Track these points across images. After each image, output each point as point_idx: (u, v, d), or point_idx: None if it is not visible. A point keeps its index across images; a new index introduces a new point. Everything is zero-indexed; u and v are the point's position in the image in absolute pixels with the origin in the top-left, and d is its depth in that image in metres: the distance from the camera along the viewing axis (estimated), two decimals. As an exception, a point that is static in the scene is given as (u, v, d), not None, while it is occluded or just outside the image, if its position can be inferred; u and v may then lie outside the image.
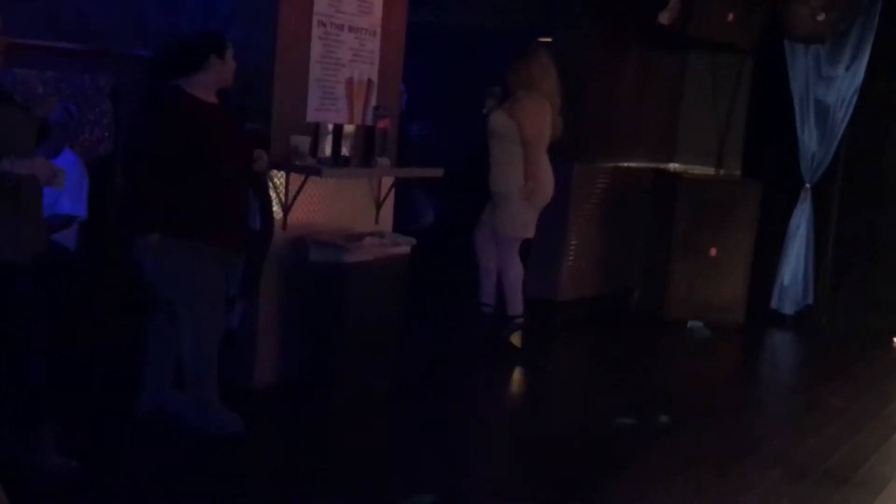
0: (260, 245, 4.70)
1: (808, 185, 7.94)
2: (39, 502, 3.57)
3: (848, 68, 7.70)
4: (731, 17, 7.32)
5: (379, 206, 5.62)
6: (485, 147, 7.22)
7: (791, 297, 8.02)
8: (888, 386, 6.56)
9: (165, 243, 4.22)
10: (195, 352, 4.42)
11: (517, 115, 6.23)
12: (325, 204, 5.26)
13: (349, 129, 5.22)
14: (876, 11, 7.56)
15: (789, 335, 8.00)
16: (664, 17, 7.15)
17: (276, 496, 4.07)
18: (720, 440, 5.16)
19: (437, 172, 5.93)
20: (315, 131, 5.06)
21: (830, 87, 7.78)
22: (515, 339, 6.59)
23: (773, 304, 8.05)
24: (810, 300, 8.02)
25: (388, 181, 5.64)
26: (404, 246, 5.38)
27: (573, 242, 7.54)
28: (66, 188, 5.02)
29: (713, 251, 7.75)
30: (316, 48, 5.06)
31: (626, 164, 8.00)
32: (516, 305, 6.49)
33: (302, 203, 5.09)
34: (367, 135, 5.38)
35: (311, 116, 5.09)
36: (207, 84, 4.34)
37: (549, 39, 7.92)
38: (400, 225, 5.91)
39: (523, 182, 6.25)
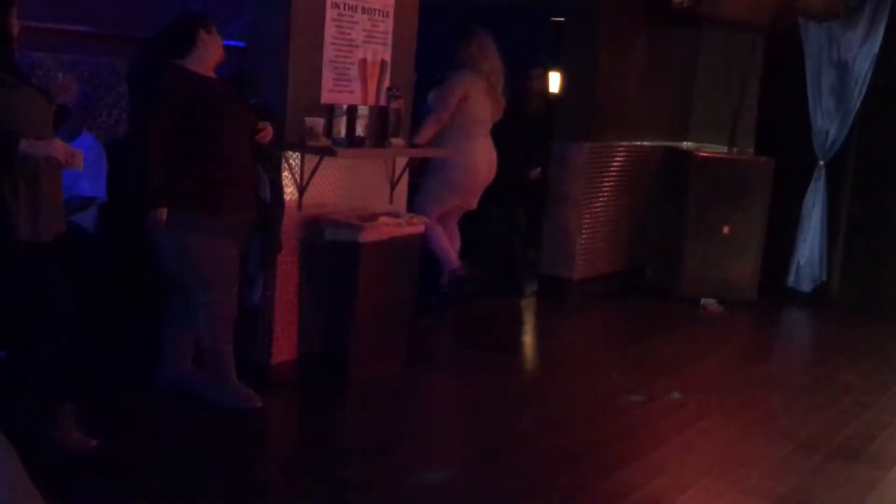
0: (272, 218, 4.76)
1: (821, 163, 7.94)
2: (60, 479, 3.64)
3: (862, 45, 7.68)
4: (744, -6, 7.31)
5: (393, 185, 5.67)
6: (501, 126, 7.27)
7: (807, 274, 8.03)
8: (900, 363, 6.58)
9: (174, 219, 4.28)
10: (211, 329, 4.49)
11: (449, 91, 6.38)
12: (339, 184, 5.31)
13: (363, 109, 5.25)
14: (890, -14, 7.54)
15: (802, 312, 8.02)
16: (677, -4, 7.14)
17: (292, 471, 4.14)
18: (731, 415, 5.21)
19: (451, 152, 5.97)
20: (329, 112, 5.10)
21: (845, 63, 7.76)
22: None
23: (790, 281, 8.07)
24: (825, 277, 8.03)
25: (402, 161, 5.69)
26: (418, 225, 5.43)
27: (587, 221, 7.57)
28: (85, 170, 5.09)
29: (726, 229, 7.77)
30: (329, 29, 5.09)
31: (639, 143, 8.01)
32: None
33: (317, 184, 5.13)
34: (380, 115, 5.42)
35: (325, 98, 5.12)
36: (203, 60, 4.44)
37: (562, 19, 7.94)
38: None
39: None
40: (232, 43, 4.69)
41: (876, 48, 7.63)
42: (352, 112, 5.19)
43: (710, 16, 7.50)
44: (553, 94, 7.98)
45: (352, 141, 5.17)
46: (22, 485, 2.47)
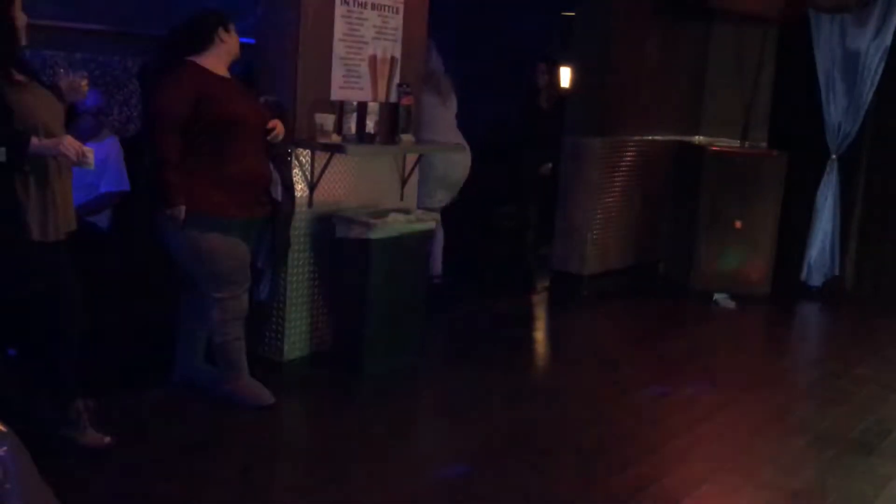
0: (283, 216, 4.76)
1: (834, 157, 7.90)
2: (73, 476, 3.66)
3: (875, 37, 7.63)
4: (755, -13, 7.28)
5: (403, 182, 5.67)
6: (512, 121, 7.28)
7: (819, 268, 7.99)
8: (915, 356, 6.54)
9: (188, 216, 4.29)
10: (222, 325, 4.50)
11: None
12: (350, 181, 5.31)
13: (373, 106, 5.25)
14: (902, -22, 7.49)
15: (816, 306, 7.98)
16: (688, -11, 7.12)
17: (305, 467, 4.15)
18: (746, 409, 5.19)
19: (460, 148, 5.96)
20: (339, 109, 5.10)
21: (857, 55, 7.71)
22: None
23: (802, 275, 8.03)
24: (837, 271, 8.00)
25: (412, 158, 5.68)
26: (429, 222, 5.42)
27: (598, 216, 7.55)
28: (108, 166, 5.13)
29: (738, 223, 7.74)
30: (339, 26, 5.09)
31: (650, 137, 7.99)
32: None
33: (327, 180, 5.14)
34: (390, 112, 5.42)
35: (336, 94, 5.13)
36: (218, 58, 4.43)
37: (572, 13, 7.93)
38: None
39: None
40: (243, 40, 4.68)
41: (888, 41, 7.57)
42: (362, 109, 5.19)
43: (721, 9, 7.48)
44: (564, 89, 7.96)
45: (362, 138, 5.17)
46: (34, 483, 2.48)
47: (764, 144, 8.33)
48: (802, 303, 7.98)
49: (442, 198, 6.54)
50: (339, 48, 5.12)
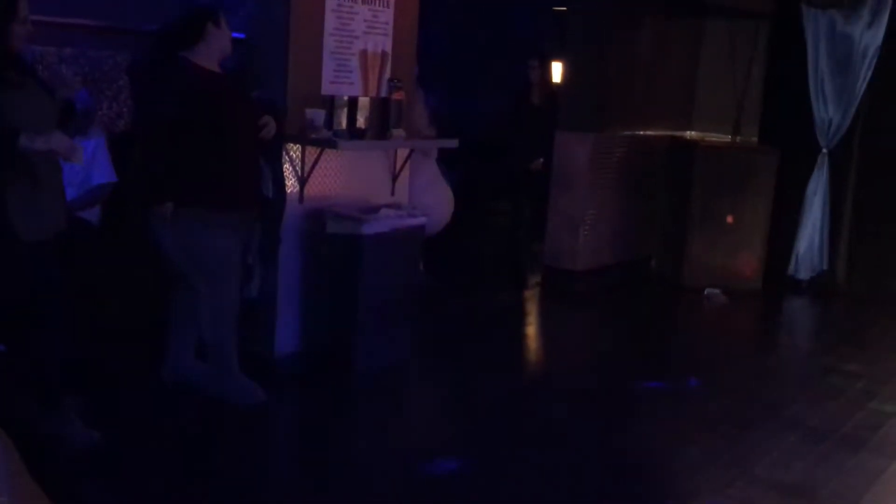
0: (274, 213, 4.75)
1: (824, 151, 7.91)
2: (62, 474, 3.64)
3: (866, 32, 7.63)
4: (747, -18, 7.28)
5: (395, 177, 5.65)
6: (504, 116, 7.25)
7: (807, 263, 8.00)
8: (906, 350, 6.56)
9: (178, 213, 4.27)
10: (213, 323, 4.48)
11: None
12: (341, 176, 5.29)
13: (364, 101, 5.23)
14: (894, -28, 7.50)
15: (807, 301, 7.99)
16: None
17: (296, 464, 4.14)
18: (737, 404, 5.20)
19: (452, 143, 5.95)
20: (330, 104, 5.08)
21: (849, 50, 7.71)
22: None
23: (790, 270, 8.04)
24: (826, 266, 8.01)
25: (403, 153, 5.67)
26: (420, 217, 5.41)
27: (590, 211, 7.55)
28: (97, 158, 5.11)
29: (730, 219, 7.75)
30: (329, 21, 5.07)
31: (643, 133, 7.99)
32: None
33: (318, 175, 5.12)
34: (382, 107, 5.40)
35: (326, 89, 5.11)
36: (209, 53, 4.41)
37: (564, 8, 7.91)
38: None
39: None
40: (233, 35, 4.66)
41: (880, 35, 7.58)
42: (353, 104, 5.17)
43: (713, 4, 7.47)
44: (556, 85, 7.95)
45: (353, 133, 5.15)
46: (21, 481, 2.46)
47: (755, 139, 8.34)
48: (794, 297, 8.00)
49: None
50: (329, 43, 5.09)
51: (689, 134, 8.55)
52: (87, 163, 5.09)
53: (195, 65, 4.36)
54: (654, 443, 4.60)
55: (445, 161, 6.73)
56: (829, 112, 7.84)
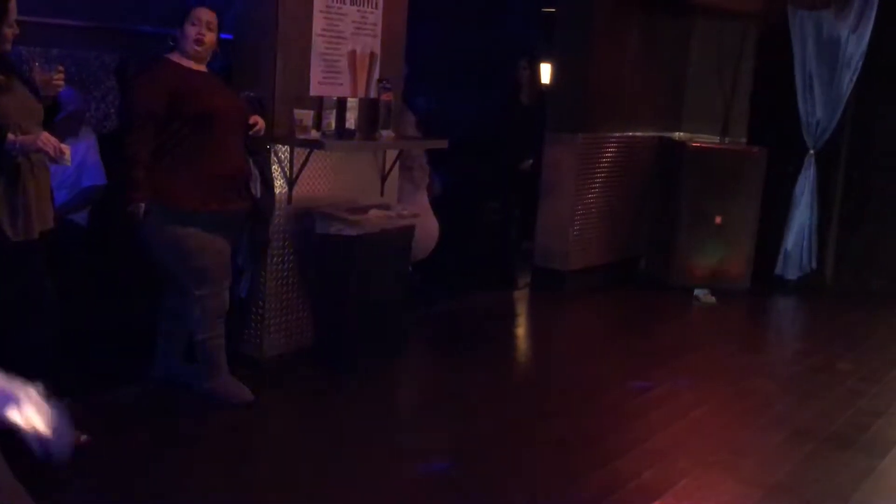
0: (263, 213, 4.74)
1: (812, 151, 7.93)
2: (48, 476, 3.62)
3: (853, 33, 7.66)
4: (735, -17, 7.30)
5: (384, 178, 5.65)
6: (493, 117, 7.24)
7: (794, 262, 8.03)
8: (893, 350, 6.57)
9: (166, 212, 4.26)
10: (202, 323, 4.47)
11: None
12: (330, 177, 5.29)
13: (352, 102, 5.23)
14: (881, -26, 7.53)
15: (795, 300, 8.01)
16: (667, -15, 7.13)
17: (286, 465, 4.13)
18: (726, 404, 5.21)
19: (442, 144, 5.95)
20: (319, 105, 5.08)
21: (835, 51, 7.74)
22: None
23: (777, 270, 8.07)
24: (814, 265, 8.03)
25: (392, 153, 5.67)
26: (409, 217, 5.41)
27: (580, 212, 7.56)
28: (87, 161, 5.09)
29: (718, 219, 7.77)
30: (318, 21, 5.07)
31: (631, 133, 8.00)
32: None
33: (307, 176, 5.12)
34: (370, 107, 5.40)
35: (315, 90, 5.10)
36: (185, 54, 4.40)
37: (553, 9, 7.92)
38: None
39: None
40: (221, 35, 4.65)
41: (866, 36, 7.61)
42: (341, 104, 5.17)
43: (702, 5, 7.49)
44: (545, 85, 7.96)
45: (341, 133, 5.15)
46: (7, 483, 2.45)
47: (744, 140, 8.36)
48: (782, 297, 8.02)
49: None
50: (318, 44, 5.09)
51: (678, 135, 8.56)
52: (78, 165, 5.09)
53: (175, 63, 4.36)
54: (642, 442, 4.60)
55: (435, 162, 6.73)
56: (817, 113, 7.87)
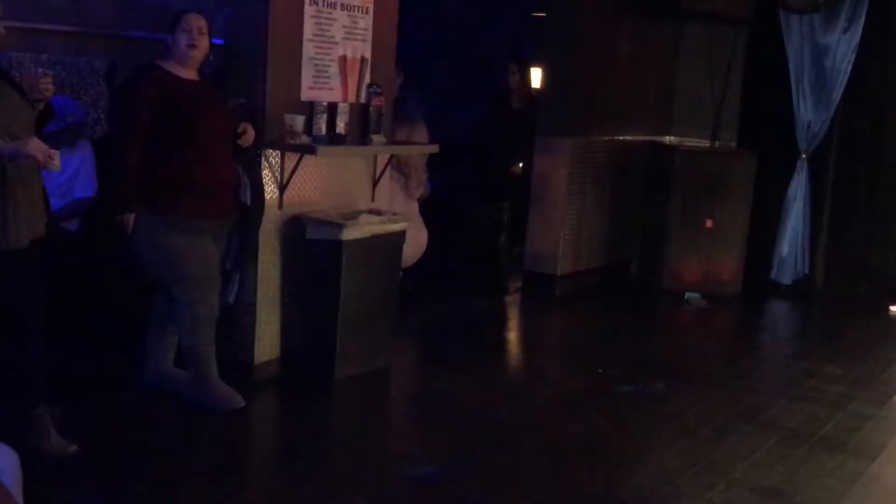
0: (251, 219, 4.74)
1: (803, 156, 7.95)
2: (38, 485, 3.60)
3: (843, 37, 7.69)
4: (724, -13, 7.32)
5: (375, 183, 5.65)
6: (484, 122, 7.24)
7: (788, 266, 8.05)
8: (884, 353, 6.59)
9: (155, 220, 4.25)
10: (191, 329, 4.46)
11: None
12: (320, 182, 5.28)
13: (343, 107, 5.22)
14: (870, -23, 7.56)
15: (786, 304, 8.03)
16: (657, -11, 7.15)
17: (276, 471, 4.12)
18: (717, 408, 5.21)
19: (433, 148, 5.95)
20: (309, 110, 5.07)
21: (826, 55, 7.77)
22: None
23: (773, 274, 8.08)
24: (806, 269, 8.06)
25: (383, 158, 5.66)
26: (401, 222, 5.41)
27: (570, 216, 7.56)
28: (81, 171, 5.09)
29: (709, 223, 7.78)
30: (308, 26, 5.06)
31: (621, 138, 8.01)
32: None
33: (297, 181, 5.10)
34: (361, 112, 5.40)
35: (305, 95, 5.09)
36: (176, 61, 4.38)
37: (543, 14, 7.94)
38: None
39: None
40: (211, 41, 4.64)
41: (856, 40, 7.64)
42: (332, 109, 5.17)
43: (692, 9, 7.51)
44: (535, 90, 7.97)
45: (332, 138, 5.14)
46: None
47: (734, 144, 8.38)
48: (773, 301, 8.04)
49: None
50: (308, 49, 5.08)
51: (668, 138, 8.59)
52: (72, 175, 5.08)
53: (164, 70, 4.35)
54: (633, 447, 4.60)
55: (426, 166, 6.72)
56: (808, 117, 7.89)
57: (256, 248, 4.86)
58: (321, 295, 5.07)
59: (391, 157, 5.72)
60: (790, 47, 7.85)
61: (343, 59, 5.29)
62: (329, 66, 5.21)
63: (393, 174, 5.96)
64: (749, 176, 7.85)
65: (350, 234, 4.98)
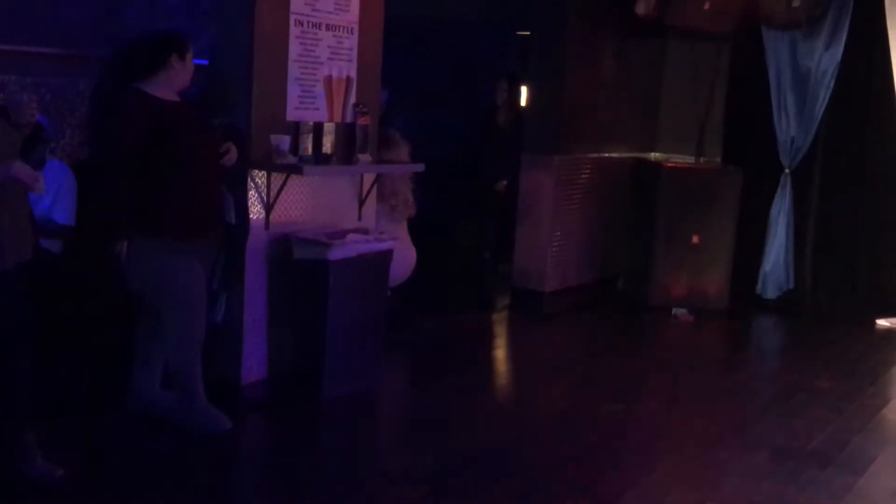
0: (237, 239, 4.73)
1: (787, 171, 8.00)
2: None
3: (825, 53, 7.74)
4: (707, 5, 7.36)
5: (361, 202, 5.65)
6: (470, 139, 7.25)
7: (773, 281, 8.08)
8: (871, 367, 6.60)
9: (141, 243, 4.24)
10: (178, 351, 4.45)
11: None
12: (307, 201, 5.28)
13: (329, 126, 5.23)
14: (851, -7, 7.63)
15: (773, 319, 8.05)
16: (640, 8, 7.19)
17: (264, 493, 4.10)
18: (705, 424, 5.21)
19: (419, 167, 5.96)
20: (295, 129, 5.07)
21: (808, 71, 7.82)
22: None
23: (759, 289, 8.11)
24: (793, 284, 8.09)
25: (369, 177, 5.67)
26: (388, 241, 5.41)
27: (557, 233, 7.58)
28: (58, 196, 5.05)
29: (695, 238, 7.81)
30: (293, 47, 5.07)
31: (607, 155, 8.04)
32: None
33: (284, 201, 5.10)
34: (347, 132, 5.41)
35: (291, 115, 5.10)
36: (167, 85, 4.38)
37: (527, 33, 7.97)
38: None
39: None
40: (196, 61, 4.65)
41: (838, 56, 7.69)
42: (318, 129, 5.17)
43: (674, 26, 7.55)
44: (523, 107, 8.00)
45: (318, 158, 5.14)
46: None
47: (719, 160, 8.42)
48: (760, 316, 8.06)
49: None
50: (293, 69, 5.09)
51: (653, 155, 8.62)
52: (51, 196, 5.03)
53: (149, 95, 4.32)
54: (622, 465, 4.60)
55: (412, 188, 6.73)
56: (791, 132, 7.93)
57: (243, 269, 4.85)
58: (309, 315, 5.05)
59: (375, 180, 5.72)
60: (772, 63, 7.90)
61: (329, 78, 5.30)
62: (315, 85, 5.22)
63: (379, 198, 5.95)
64: (734, 191, 7.88)
65: (337, 253, 4.98)
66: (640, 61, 8.33)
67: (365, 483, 4.21)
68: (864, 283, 8.12)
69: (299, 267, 5.03)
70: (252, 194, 4.94)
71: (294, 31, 5.06)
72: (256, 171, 4.97)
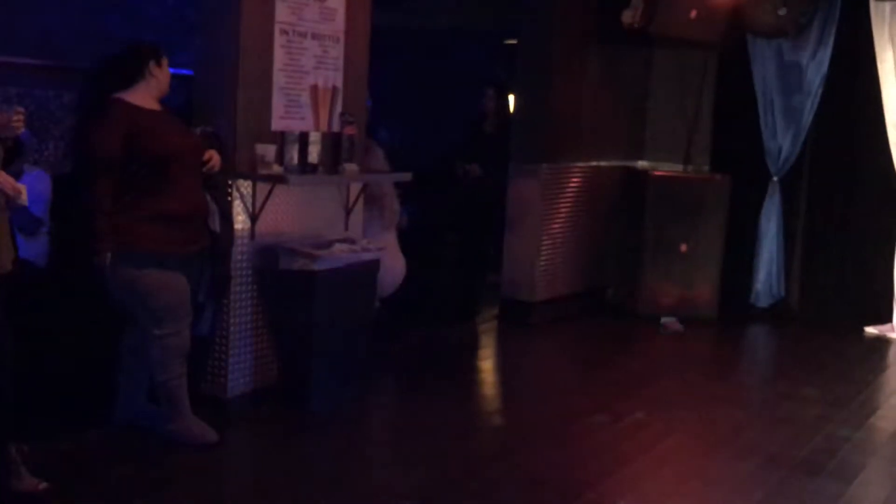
0: (222, 247, 4.69)
1: (775, 179, 8.00)
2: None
3: (811, 61, 7.76)
4: (693, 14, 7.35)
5: (348, 212, 5.62)
6: (457, 147, 7.23)
7: (765, 290, 8.08)
8: (861, 375, 6.60)
9: (124, 254, 4.20)
10: (163, 363, 4.40)
11: None
12: (293, 211, 5.25)
13: (315, 136, 5.20)
14: (837, 1, 7.63)
15: (762, 328, 8.04)
16: (627, 17, 7.19)
17: (251, 506, 4.06)
18: (696, 432, 5.20)
19: (406, 177, 5.94)
20: (281, 139, 5.05)
21: (795, 79, 7.84)
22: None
23: (751, 298, 8.11)
24: (782, 292, 8.08)
25: (356, 187, 5.64)
26: (374, 251, 5.38)
27: (546, 242, 7.56)
28: (36, 196, 5.01)
29: (683, 247, 7.79)
30: (279, 56, 5.06)
31: (594, 164, 8.03)
32: None
33: (270, 211, 5.07)
34: (333, 141, 5.38)
35: (277, 125, 5.08)
36: (148, 92, 4.36)
37: (514, 41, 7.96)
38: None
39: None
40: (181, 72, 4.62)
41: (825, 64, 7.72)
42: (304, 139, 5.14)
43: (661, 35, 7.55)
44: (510, 115, 7.99)
45: (304, 168, 5.12)
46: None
47: (706, 168, 8.41)
48: (749, 325, 8.05)
49: None
50: (279, 78, 5.07)
51: (641, 164, 8.61)
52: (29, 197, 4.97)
53: (133, 105, 4.29)
54: (613, 474, 4.57)
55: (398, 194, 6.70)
56: (778, 140, 7.94)
57: (229, 280, 4.81)
58: (295, 326, 5.02)
59: (362, 189, 5.69)
60: (758, 72, 7.92)
61: (314, 88, 5.28)
62: (300, 95, 5.20)
63: (366, 207, 5.92)
64: (723, 200, 7.87)
65: (323, 263, 4.95)
66: (628, 70, 8.34)
67: (354, 496, 4.17)
68: (853, 291, 8.11)
69: (285, 278, 4.99)
70: (237, 204, 4.91)
71: (279, 40, 5.04)
72: (242, 182, 4.94)
